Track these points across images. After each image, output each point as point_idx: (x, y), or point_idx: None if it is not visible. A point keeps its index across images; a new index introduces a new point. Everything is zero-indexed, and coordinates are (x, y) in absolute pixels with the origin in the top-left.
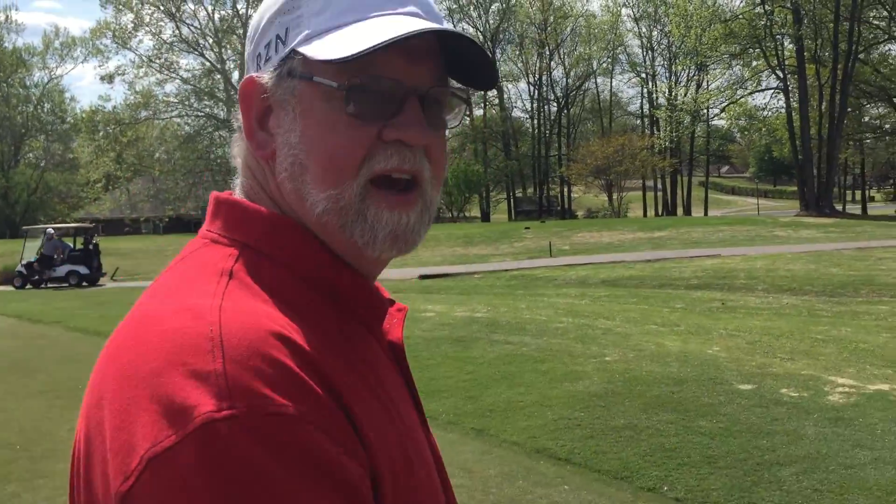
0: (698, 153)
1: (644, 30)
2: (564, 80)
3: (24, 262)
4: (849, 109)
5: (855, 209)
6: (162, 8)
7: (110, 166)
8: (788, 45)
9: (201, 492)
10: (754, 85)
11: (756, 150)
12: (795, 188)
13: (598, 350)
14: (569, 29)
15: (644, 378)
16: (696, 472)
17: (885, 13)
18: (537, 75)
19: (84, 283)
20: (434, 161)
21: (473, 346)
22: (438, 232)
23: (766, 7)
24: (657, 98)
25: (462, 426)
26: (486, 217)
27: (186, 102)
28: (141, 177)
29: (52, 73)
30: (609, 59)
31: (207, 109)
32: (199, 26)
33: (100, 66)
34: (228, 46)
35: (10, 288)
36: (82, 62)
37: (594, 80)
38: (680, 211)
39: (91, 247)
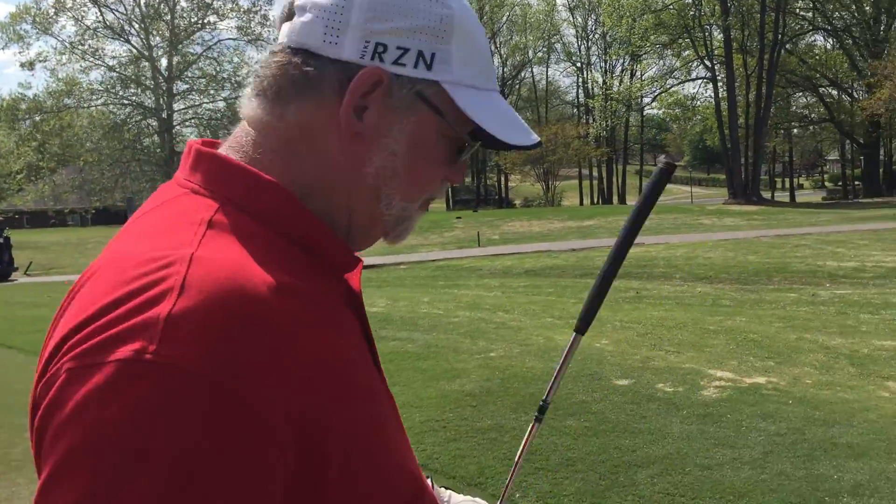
0: (632, 142)
1: (579, 19)
2: (501, 68)
3: None
4: (776, 99)
5: (784, 197)
6: None
7: (32, 156)
8: (717, 36)
9: (93, 415)
10: (684, 74)
11: (690, 138)
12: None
13: (486, 345)
14: (504, 17)
15: (523, 375)
16: (552, 475)
17: (811, 3)
18: None
19: None
20: None
21: None
22: None
23: None
24: (592, 88)
25: None
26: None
27: (112, 90)
28: (65, 167)
29: None
30: (545, 48)
31: (135, 98)
32: (124, 12)
33: (20, 52)
34: (156, 33)
35: None
36: (2, 48)
37: (530, 70)
38: (616, 199)
39: (1, 240)
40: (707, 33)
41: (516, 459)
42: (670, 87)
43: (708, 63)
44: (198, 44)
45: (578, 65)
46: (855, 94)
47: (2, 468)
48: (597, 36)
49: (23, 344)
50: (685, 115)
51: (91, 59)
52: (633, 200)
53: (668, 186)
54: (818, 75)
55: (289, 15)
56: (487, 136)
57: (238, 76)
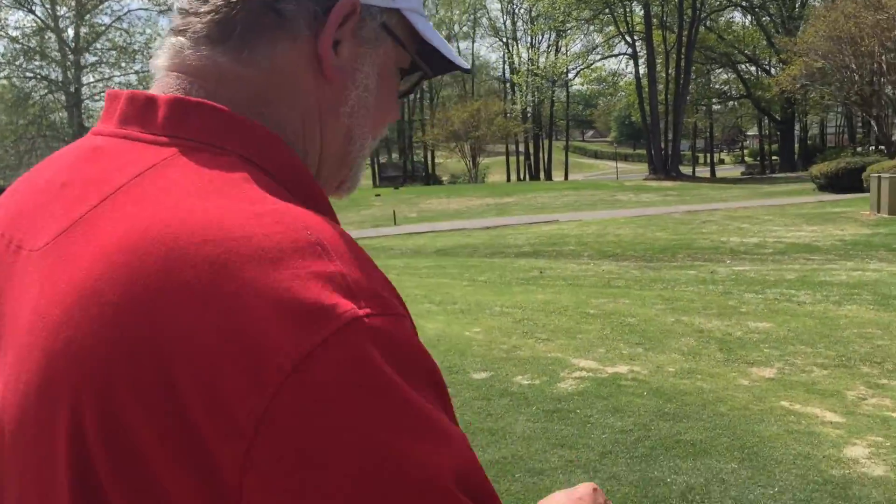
0: (558, 118)
1: None
2: None
3: None
4: (694, 76)
5: (705, 172)
6: None
7: None
8: (639, 11)
9: (361, 388)
10: (606, 50)
11: (616, 114)
12: None
13: None
14: None
15: None
16: None
17: None
18: None
19: None
20: None
21: None
22: None
23: None
24: (517, 63)
25: None
26: None
27: (15, 63)
28: None
29: None
30: (471, 23)
31: (39, 71)
32: None
33: None
34: (62, 2)
35: None
36: None
37: (456, 45)
38: (542, 175)
39: None
40: (628, 9)
41: None
42: (592, 64)
43: (629, 39)
44: (106, 14)
45: (504, 40)
46: (773, 70)
47: None
48: (522, 11)
49: None
50: (607, 91)
51: None
52: (558, 176)
53: (595, 162)
54: (736, 52)
55: None
56: (436, 63)
57: (150, 48)
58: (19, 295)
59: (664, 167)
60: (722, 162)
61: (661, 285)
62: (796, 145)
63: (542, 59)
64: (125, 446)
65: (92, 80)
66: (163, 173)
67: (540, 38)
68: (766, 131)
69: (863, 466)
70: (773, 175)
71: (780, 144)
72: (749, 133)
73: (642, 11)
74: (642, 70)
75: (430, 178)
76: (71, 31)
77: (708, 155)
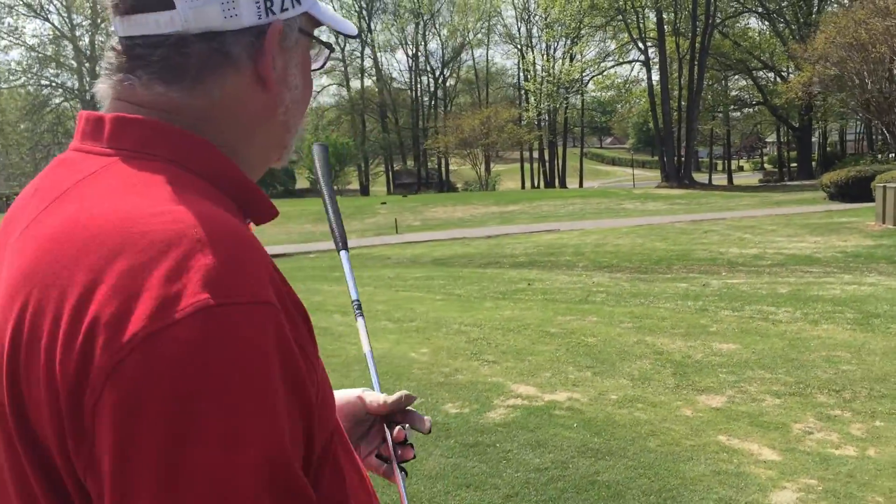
0: (572, 125)
1: (519, 0)
2: (441, 50)
3: None
4: (710, 82)
5: (722, 179)
6: None
7: None
8: (652, 18)
9: (199, 368)
10: (619, 57)
11: (634, 121)
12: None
13: None
14: None
15: None
16: None
17: None
18: (414, 46)
19: None
20: None
21: None
22: (291, 208)
23: None
24: (530, 70)
25: None
26: (364, 191)
27: (31, 71)
28: None
29: None
30: (485, 30)
31: (54, 79)
32: None
33: None
34: (77, 11)
35: None
36: None
37: (471, 52)
38: (557, 182)
39: None
40: (640, 15)
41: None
42: (604, 71)
43: (641, 46)
44: None
45: (519, 47)
46: (791, 76)
47: None
48: (537, 17)
49: None
50: (620, 98)
51: (9, 37)
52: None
53: (612, 169)
54: (752, 58)
55: (128, 8)
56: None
57: None
58: None
59: (677, 175)
60: (741, 169)
61: (640, 300)
62: (816, 152)
63: (556, 66)
64: (36, 390)
65: None
66: (98, 178)
67: (555, 44)
68: (785, 138)
69: None
70: (789, 183)
71: (798, 152)
72: (768, 140)
73: (655, 18)
74: (655, 77)
75: (443, 186)
76: (86, 40)
77: (726, 162)
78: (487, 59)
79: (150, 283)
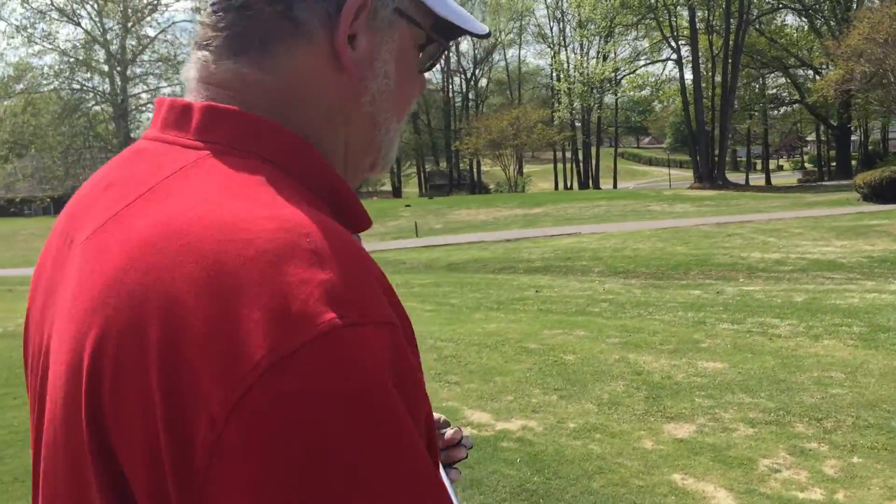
0: (606, 125)
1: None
2: (472, 50)
3: None
4: (746, 80)
5: (760, 179)
6: None
7: None
8: (684, 15)
9: (332, 395)
10: (652, 55)
11: (671, 120)
12: None
13: None
14: None
15: None
16: None
17: None
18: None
19: None
20: None
21: None
22: None
23: None
24: (564, 70)
25: None
26: (397, 192)
27: (64, 75)
28: (19, 157)
29: None
30: (517, 29)
31: (85, 83)
32: None
33: None
34: (109, 16)
35: None
36: None
37: (503, 52)
38: (591, 183)
39: None
40: (672, 13)
41: None
42: (636, 70)
43: (673, 45)
44: (152, 26)
45: (552, 46)
46: (825, 73)
47: None
48: (569, 16)
49: None
50: (653, 97)
51: (42, 43)
52: (607, 184)
53: (648, 169)
54: (788, 55)
55: None
56: (452, 33)
57: None
58: (65, 284)
59: (710, 175)
60: (780, 168)
61: (640, 311)
62: (857, 151)
63: (589, 65)
64: (126, 422)
65: (138, 91)
66: (190, 174)
67: (588, 43)
68: (825, 137)
69: None
70: (825, 183)
71: (837, 150)
72: (809, 139)
73: (688, 15)
74: (688, 76)
75: (475, 187)
76: (117, 43)
77: (764, 161)
78: (520, 59)
79: (263, 301)
